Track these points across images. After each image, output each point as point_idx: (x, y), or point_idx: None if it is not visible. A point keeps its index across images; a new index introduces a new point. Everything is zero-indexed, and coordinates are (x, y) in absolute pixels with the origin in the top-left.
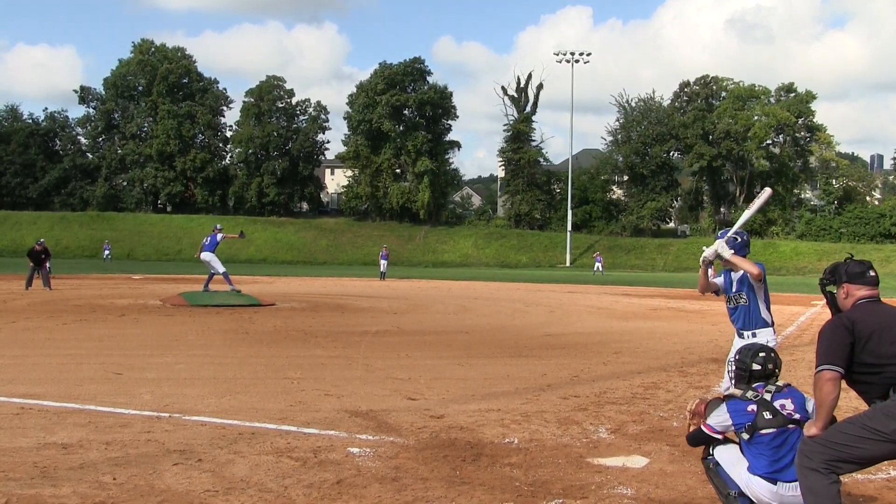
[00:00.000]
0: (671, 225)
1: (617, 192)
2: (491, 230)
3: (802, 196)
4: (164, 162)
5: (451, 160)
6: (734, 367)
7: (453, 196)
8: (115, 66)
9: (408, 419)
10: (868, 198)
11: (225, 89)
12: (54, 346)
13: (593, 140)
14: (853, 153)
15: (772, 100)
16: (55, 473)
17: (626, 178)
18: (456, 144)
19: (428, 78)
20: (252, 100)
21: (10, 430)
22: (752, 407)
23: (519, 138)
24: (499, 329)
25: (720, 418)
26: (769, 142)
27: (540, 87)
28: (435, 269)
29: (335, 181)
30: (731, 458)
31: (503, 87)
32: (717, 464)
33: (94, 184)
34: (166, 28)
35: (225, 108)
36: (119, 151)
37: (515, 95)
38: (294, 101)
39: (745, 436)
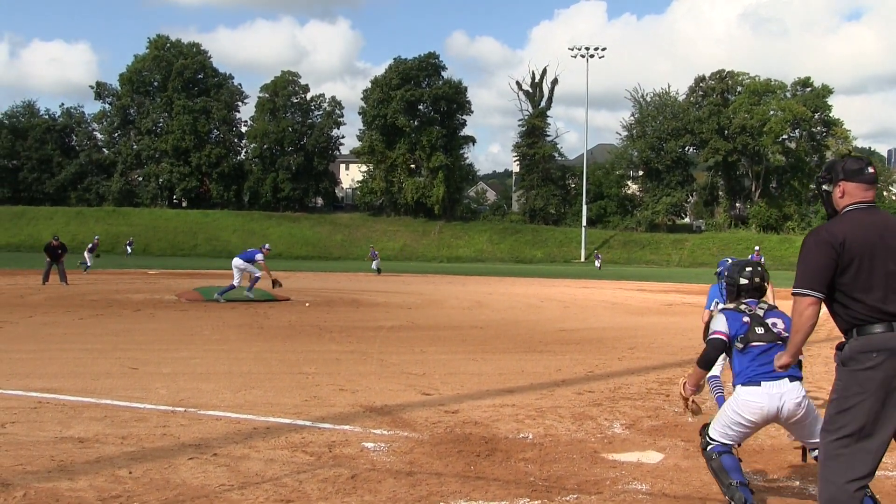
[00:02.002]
0: (686, 220)
1: (632, 187)
2: (505, 225)
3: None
4: (179, 157)
5: (465, 155)
6: (724, 284)
7: (468, 191)
8: (130, 62)
9: (422, 414)
10: (885, 192)
11: (240, 85)
12: (71, 341)
13: (608, 135)
14: (870, 148)
15: (787, 94)
16: (72, 467)
17: (641, 172)
18: (470, 139)
19: (442, 73)
20: (267, 95)
21: (27, 424)
22: (746, 319)
23: (534, 133)
24: (513, 324)
25: (722, 323)
26: (785, 136)
27: (555, 81)
28: (449, 265)
29: (350, 176)
30: (720, 415)
31: (518, 82)
32: (715, 450)
33: (110, 179)
34: (179, 24)
35: (240, 103)
36: (135, 147)
37: (530, 90)
38: (308, 96)
39: (739, 345)
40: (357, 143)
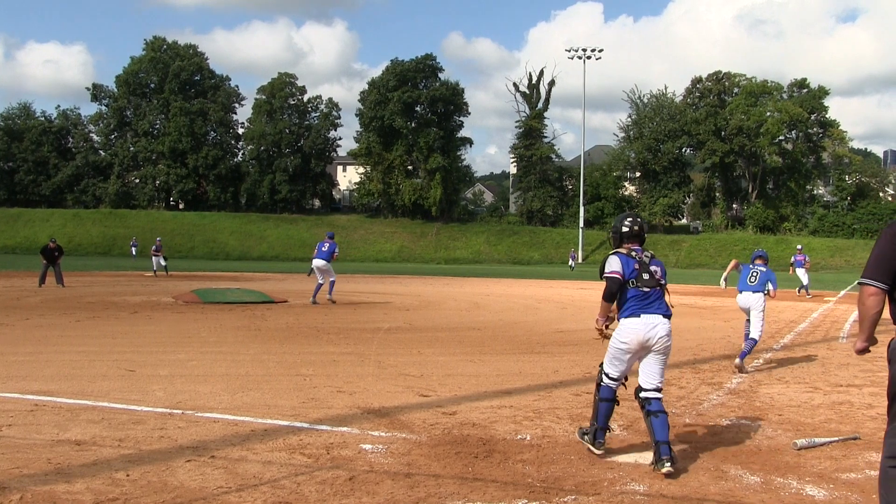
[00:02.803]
0: (683, 221)
1: (629, 189)
2: (503, 227)
3: (815, 192)
4: (176, 159)
5: (462, 157)
6: (611, 234)
7: (465, 193)
8: (126, 64)
9: (420, 416)
10: (881, 193)
11: (237, 86)
12: (67, 343)
13: (605, 136)
14: (866, 149)
15: (784, 95)
16: (69, 470)
17: (638, 174)
18: (468, 141)
19: (439, 74)
20: (264, 97)
21: (24, 427)
22: (636, 265)
23: (531, 135)
24: (511, 325)
25: (616, 263)
26: (781, 138)
27: (552, 83)
28: (447, 266)
29: (347, 178)
30: (609, 348)
31: (515, 84)
32: (603, 395)
33: (107, 181)
34: (175, 25)
35: (237, 105)
36: (131, 149)
37: (527, 92)
38: (306, 97)
39: (631, 285)
40: (354, 145)
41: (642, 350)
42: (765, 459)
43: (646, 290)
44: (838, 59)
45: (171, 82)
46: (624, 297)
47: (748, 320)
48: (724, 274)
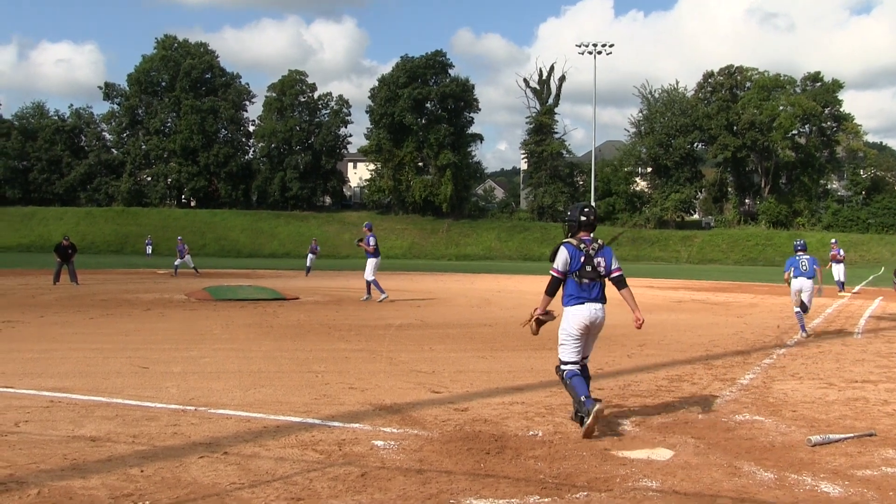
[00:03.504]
0: (695, 216)
1: (640, 184)
2: (514, 223)
3: (829, 187)
4: (187, 157)
5: (473, 153)
6: (567, 222)
7: (476, 189)
8: (138, 62)
9: (432, 412)
10: None
11: (247, 84)
12: (81, 341)
13: (616, 132)
14: (881, 142)
15: (797, 89)
16: (84, 465)
17: (649, 169)
18: (478, 137)
19: (449, 71)
20: (274, 94)
21: (40, 423)
22: (583, 258)
23: (541, 130)
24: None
25: (562, 259)
26: (795, 132)
27: (562, 78)
28: (458, 262)
29: (358, 175)
30: (559, 340)
31: (525, 80)
32: (567, 375)
33: (119, 179)
34: (185, 24)
35: (247, 102)
36: (143, 147)
37: (538, 87)
38: (316, 95)
39: (575, 277)
40: (364, 142)
41: (587, 333)
42: (779, 456)
43: (586, 281)
44: (852, 52)
45: (182, 80)
46: (567, 289)
47: (800, 301)
48: (789, 280)
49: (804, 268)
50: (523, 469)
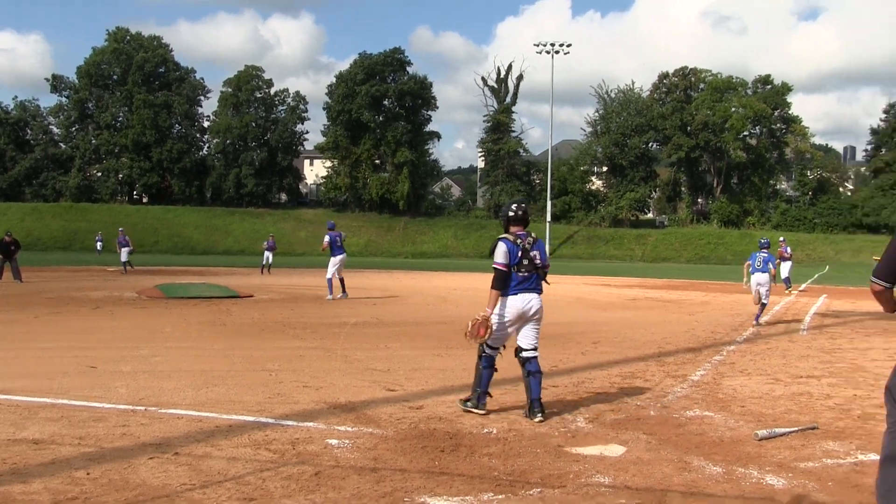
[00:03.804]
0: (650, 215)
1: (596, 183)
2: (470, 221)
3: (778, 187)
4: (139, 152)
5: (430, 151)
6: (501, 218)
7: (433, 187)
8: (88, 55)
9: (387, 410)
10: (841, 189)
11: (202, 79)
12: (26, 340)
13: (572, 131)
14: (827, 144)
15: (748, 91)
16: (26, 469)
17: (605, 168)
18: (436, 135)
19: (408, 68)
20: (230, 90)
21: None
22: (519, 252)
23: (499, 129)
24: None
25: (502, 252)
26: (746, 133)
27: (520, 77)
28: (414, 260)
29: (314, 172)
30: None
31: (483, 78)
32: (484, 364)
33: (68, 174)
34: (137, 16)
35: (202, 97)
36: (93, 141)
37: (495, 86)
38: (272, 91)
39: (513, 269)
40: (321, 139)
41: (520, 321)
42: (727, 450)
43: (524, 274)
44: (800, 57)
45: (134, 74)
46: (506, 282)
47: (759, 293)
48: (744, 277)
49: (759, 265)
50: (478, 466)
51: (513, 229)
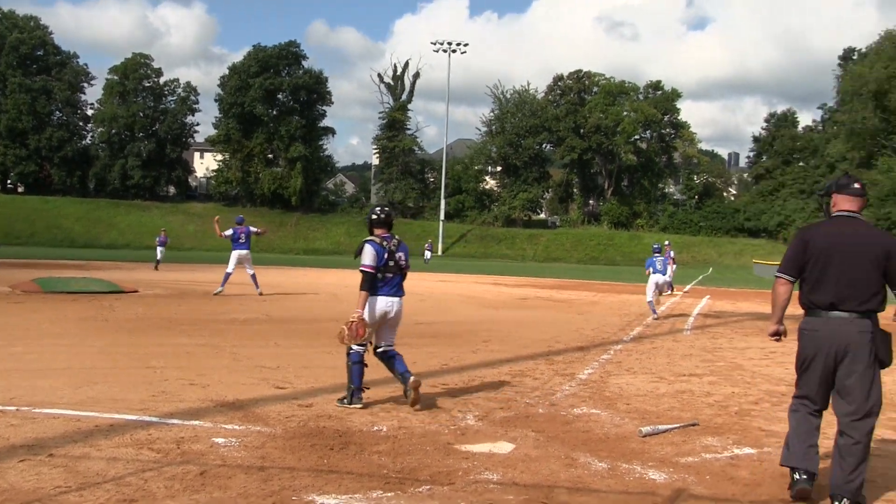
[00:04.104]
0: (542, 216)
1: (490, 183)
2: (363, 218)
3: (666, 190)
4: (14, 139)
5: (324, 146)
6: (367, 219)
7: (326, 183)
8: None
9: (275, 408)
10: (725, 193)
11: (85, 65)
12: None
13: (467, 130)
14: (713, 150)
15: (640, 96)
16: None
17: (499, 168)
18: (330, 131)
19: (303, 62)
20: (116, 77)
21: None
22: (386, 255)
23: (394, 126)
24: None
25: (370, 255)
26: (637, 137)
27: (416, 75)
28: (306, 257)
29: (205, 165)
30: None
31: (379, 75)
32: (353, 359)
33: None
34: None
35: (86, 84)
36: None
37: (391, 83)
38: (162, 80)
39: (380, 274)
40: (212, 131)
41: (382, 321)
42: (612, 446)
43: (389, 275)
44: (689, 64)
45: (8, 55)
46: (374, 284)
47: (656, 292)
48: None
49: (659, 267)
50: (367, 464)
51: (377, 232)
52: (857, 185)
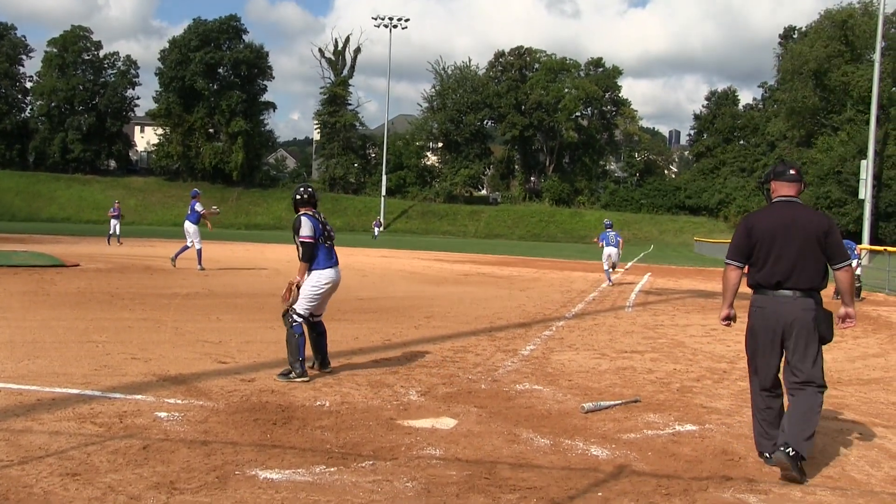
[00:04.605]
0: (483, 192)
1: (431, 159)
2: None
3: (607, 168)
4: None
5: (265, 121)
6: (293, 198)
7: (267, 158)
8: None
9: (218, 383)
10: (666, 171)
11: (24, 37)
12: None
13: (408, 106)
14: (654, 128)
15: (581, 73)
16: None
17: (440, 144)
18: (271, 106)
19: (244, 37)
20: (55, 50)
21: None
22: (320, 226)
23: (335, 102)
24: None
25: (309, 226)
26: (578, 114)
27: (357, 51)
28: (248, 232)
29: (145, 139)
30: (303, 296)
31: (320, 50)
32: (296, 331)
33: None
34: None
35: (24, 57)
36: None
37: (332, 58)
38: (101, 53)
39: (319, 242)
40: (153, 105)
41: (331, 292)
42: (554, 423)
43: (328, 245)
44: (630, 42)
45: None
46: (314, 253)
47: (611, 261)
48: (601, 246)
49: (611, 241)
50: (310, 439)
51: (302, 210)
52: (792, 172)
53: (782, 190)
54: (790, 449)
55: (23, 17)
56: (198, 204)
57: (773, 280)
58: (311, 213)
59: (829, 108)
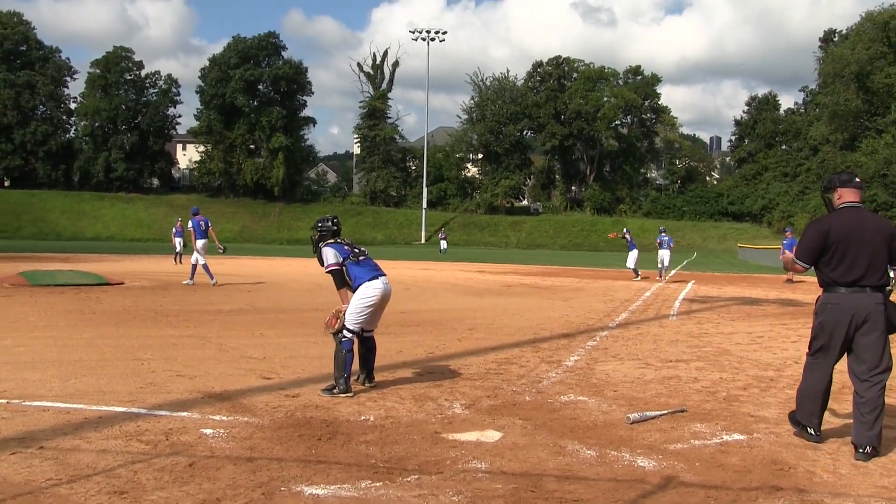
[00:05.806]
0: (524, 203)
1: (472, 170)
2: (346, 207)
3: (648, 175)
4: (0, 134)
5: (305, 136)
6: (320, 231)
7: (308, 173)
8: None
9: (262, 399)
10: (707, 178)
11: (68, 59)
12: None
13: (447, 118)
14: (694, 135)
15: (620, 81)
16: None
17: (480, 155)
18: (311, 120)
19: (282, 53)
20: (98, 71)
21: None
22: (347, 247)
23: (374, 115)
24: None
25: (331, 254)
26: (618, 122)
27: (396, 64)
28: (290, 247)
29: (187, 157)
30: (351, 311)
31: (359, 64)
32: (345, 347)
33: None
34: None
35: (69, 78)
36: None
37: (371, 72)
38: (143, 73)
39: (353, 260)
40: (194, 123)
41: (383, 303)
42: (600, 434)
43: (363, 258)
44: (667, 49)
45: None
46: (353, 272)
47: (663, 262)
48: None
49: (665, 245)
50: (355, 454)
51: (323, 244)
52: (858, 180)
53: (848, 196)
54: (867, 448)
55: (66, 39)
56: (199, 221)
57: (851, 278)
58: (331, 241)
59: (872, 110)
